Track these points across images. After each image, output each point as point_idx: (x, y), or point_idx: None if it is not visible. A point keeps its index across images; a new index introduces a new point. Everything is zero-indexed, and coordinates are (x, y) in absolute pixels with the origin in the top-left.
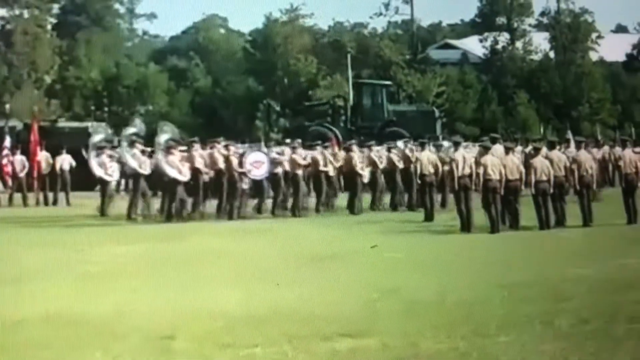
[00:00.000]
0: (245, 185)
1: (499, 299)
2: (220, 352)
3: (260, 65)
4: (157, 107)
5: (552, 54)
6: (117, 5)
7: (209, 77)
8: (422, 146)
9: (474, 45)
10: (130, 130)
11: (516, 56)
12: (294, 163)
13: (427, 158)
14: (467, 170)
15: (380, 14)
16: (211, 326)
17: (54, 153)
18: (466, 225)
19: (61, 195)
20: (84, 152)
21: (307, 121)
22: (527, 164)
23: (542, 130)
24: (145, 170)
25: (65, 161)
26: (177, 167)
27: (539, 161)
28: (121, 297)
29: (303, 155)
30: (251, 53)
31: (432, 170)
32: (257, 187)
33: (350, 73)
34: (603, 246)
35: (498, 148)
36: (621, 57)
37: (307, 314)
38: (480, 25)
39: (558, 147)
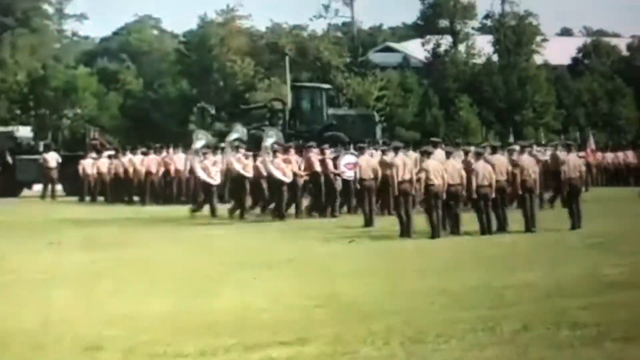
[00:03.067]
0: (338, 187)
1: (439, 305)
2: None
3: (195, 67)
4: (86, 111)
5: (495, 58)
6: (45, 6)
7: (141, 79)
8: (362, 150)
9: (416, 49)
10: (234, 135)
11: (459, 60)
12: (383, 165)
13: (366, 162)
14: (407, 176)
15: (320, 16)
16: (141, 336)
17: None
18: (406, 231)
19: None
20: (7, 157)
21: (244, 125)
22: (468, 169)
23: (484, 134)
24: (249, 173)
25: None
26: (281, 169)
27: (480, 166)
28: (50, 306)
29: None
30: (185, 55)
31: (371, 175)
32: (345, 188)
33: (288, 76)
34: (546, 252)
35: (439, 153)
36: (566, 61)
37: (243, 321)
38: (423, 28)
39: (500, 152)
